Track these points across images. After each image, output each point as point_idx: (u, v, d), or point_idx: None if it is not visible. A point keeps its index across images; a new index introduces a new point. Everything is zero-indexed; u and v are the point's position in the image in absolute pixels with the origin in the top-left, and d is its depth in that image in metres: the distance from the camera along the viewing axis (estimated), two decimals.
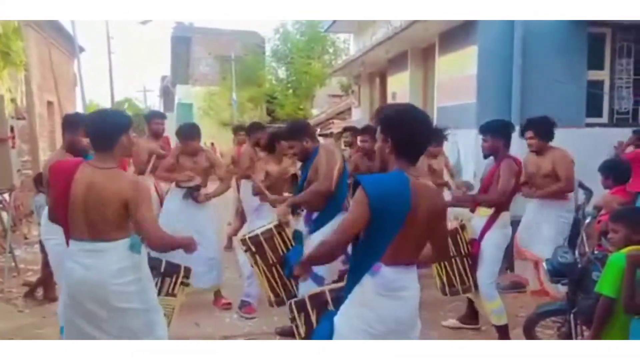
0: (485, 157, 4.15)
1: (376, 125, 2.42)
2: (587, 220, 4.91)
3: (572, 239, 4.85)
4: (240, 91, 22.91)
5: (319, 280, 3.75)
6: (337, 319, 2.36)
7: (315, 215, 3.99)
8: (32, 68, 10.15)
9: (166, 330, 2.89)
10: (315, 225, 3.94)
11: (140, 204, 2.62)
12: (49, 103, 12.39)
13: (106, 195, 2.62)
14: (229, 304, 4.97)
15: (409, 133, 2.27)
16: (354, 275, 2.33)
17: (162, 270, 3.36)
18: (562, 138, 4.98)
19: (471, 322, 4.48)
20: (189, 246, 2.82)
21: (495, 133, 3.99)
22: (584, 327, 3.23)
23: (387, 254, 2.23)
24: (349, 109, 15.42)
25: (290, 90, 23.79)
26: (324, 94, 23.17)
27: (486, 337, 4.28)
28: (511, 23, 6.39)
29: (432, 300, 4.94)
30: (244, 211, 6.07)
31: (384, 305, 2.26)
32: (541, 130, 4.68)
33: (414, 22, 7.01)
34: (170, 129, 6.17)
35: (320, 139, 17.14)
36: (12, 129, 6.34)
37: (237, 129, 7.74)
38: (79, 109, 16.61)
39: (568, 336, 3.51)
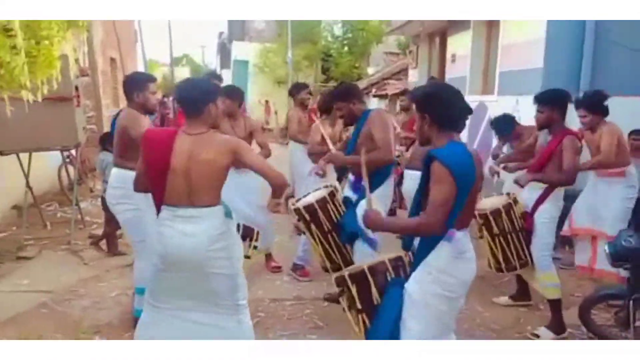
0: (540, 129, 3.96)
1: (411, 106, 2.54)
2: None
3: (637, 222, 4.62)
4: (295, 49, 22.73)
5: (374, 244, 3.77)
6: (411, 286, 2.43)
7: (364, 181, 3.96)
8: (95, 24, 10.39)
9: (246, 293, 2.99)
10: (364, 192, 3.92)
11: (247, 150, 2.84)
12: (112, 59, 12.74)
13: (210, 157, 2.72)
14: (279, 267, 5.09)
15: (443, 107, 2.42)
16: (427, 242, 2.40)
17: (240, 233, 3.45)
18: (634, 108, 4.68)
19: (523, 299, 4.40)
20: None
21: (553, 104, 3.76)
22: None
23: (458, 219, 2.34)
24: (406, 69, 15.03)
25: (346, 48, 23.39)
26: (380, 52, 22.63)
27: (540, 315, 4.21)
28: None
29: (483, 273, 4.86)
30: (292, 174, 6.04)
31: (460, 268, 2.40)
32: (593, 106, 4.44)
33: None
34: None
35: (375, 100, 16.81)
36: (76, 88, 6.55)
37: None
38: (140, 65, 17.04)
39: (625, 322, 3.40)
